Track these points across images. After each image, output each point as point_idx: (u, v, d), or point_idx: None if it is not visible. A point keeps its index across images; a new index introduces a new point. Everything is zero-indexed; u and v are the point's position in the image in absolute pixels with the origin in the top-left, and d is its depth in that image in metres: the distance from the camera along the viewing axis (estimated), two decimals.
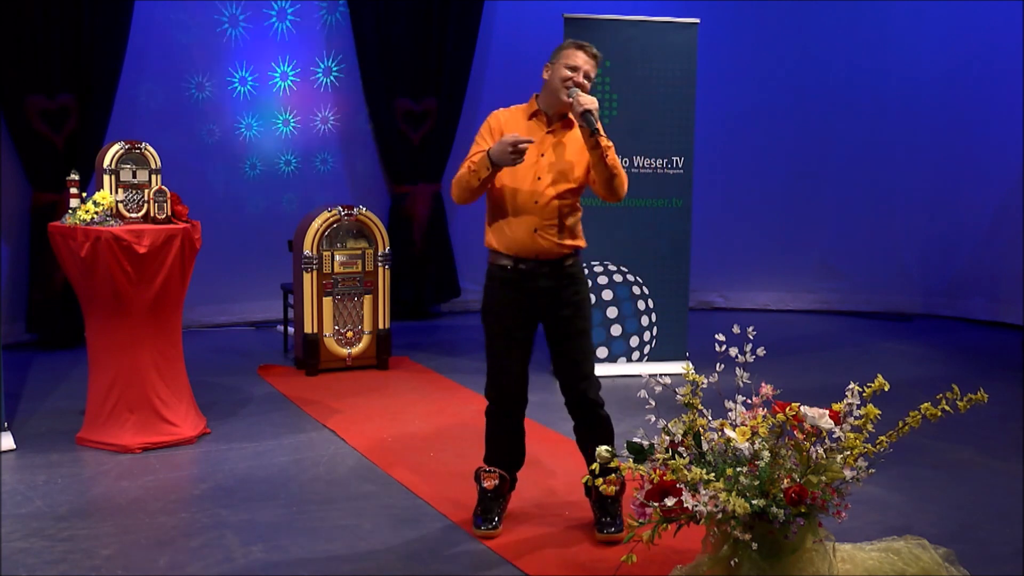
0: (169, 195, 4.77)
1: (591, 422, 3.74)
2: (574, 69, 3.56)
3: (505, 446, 3.82)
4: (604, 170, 3.56)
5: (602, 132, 3.49)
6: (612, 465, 3.08)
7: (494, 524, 3.71)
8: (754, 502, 2.81)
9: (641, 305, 6.33)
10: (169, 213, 4.78)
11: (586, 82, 3.58)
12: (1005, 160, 8.09)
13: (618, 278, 6.29)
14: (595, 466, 3.05)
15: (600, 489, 3.06)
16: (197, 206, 5.31)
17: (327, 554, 3.54)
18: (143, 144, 4.80)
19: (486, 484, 3.77)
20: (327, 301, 6.17)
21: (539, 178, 3.59)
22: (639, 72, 6.18)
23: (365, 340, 6.30)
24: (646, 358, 6.35)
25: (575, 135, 3.66)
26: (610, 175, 3.57)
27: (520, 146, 3.43)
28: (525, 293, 3.64)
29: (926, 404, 2.98)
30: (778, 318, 8.46)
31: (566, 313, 3.67)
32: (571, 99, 3.51)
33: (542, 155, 3.61)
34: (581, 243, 3.73)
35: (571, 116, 3.64)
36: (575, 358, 3.70)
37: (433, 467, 4.49)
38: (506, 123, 3.66)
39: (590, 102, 3.46)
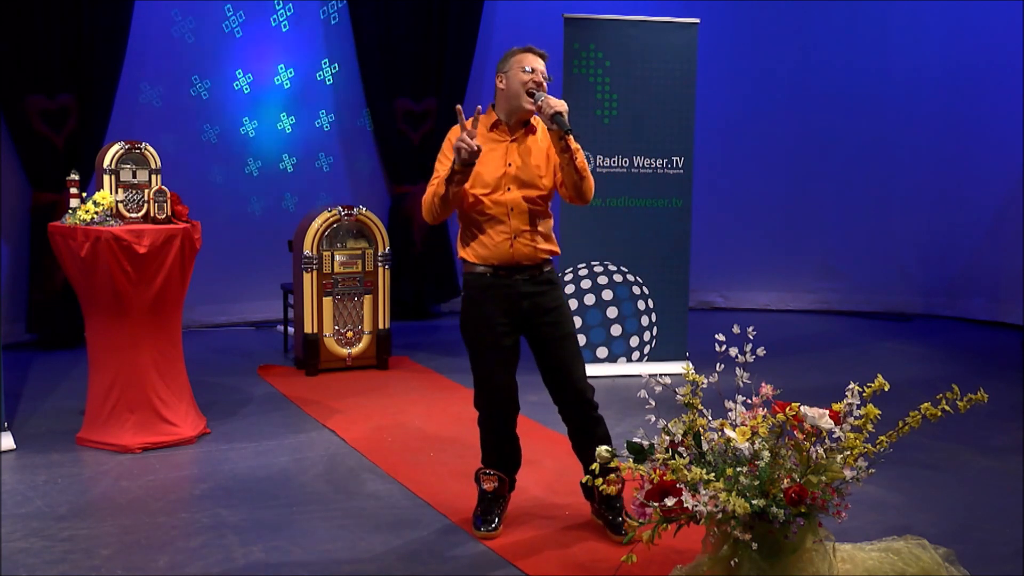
0: (169, 195, 4.77)
1: (590, 424, 3.71)
2: (531, 71, 3.55)
3: (502, 452, 3.81)
4: (573, 173, 3.55)
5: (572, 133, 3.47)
6: (612, 465, 3.07)
7: (494, 526, 3.71)
8: (754, 502, 2.80)
9: (641, 305, 6.33)
10: (169, 213, 4.78)
11: (543, 81, 3.57)
12: (1005, 160, 8.09)
13: (618, 278, 6.29)
14: (595, 466, 3.05)
15: (601, 489, 3.05)
16: (197, 206, 5.31)
17: (327, 554, 3.54)
18: (143, 144, 4.80)
19: (486, 486, 3.77)
20: (327, 301, 6.17)
21: (509, 188, 3.58)
22: (639, 72, 6.18)
23: (365, 340, 6.30)
24: (646, 358, 6.35)
25: (538, 140, 3.65)
26: (579, 177, 3.57)
27: (474, 146, 3.35)
28: (507, 298, 3.62)
29: (926, 404, 2.98)
30: (778, 318, 8.47)
31: (551, 318, 3.65)
32: (539, 103, 3.49)
33: (509, 164, 3.59)
34: (556, 249, 3.72)
35: (533, 121, 3.65)
36: (568, 361, 3.66)
37: (433, 467, 4.49)
38: None
39: (560, 104, 3.44)
